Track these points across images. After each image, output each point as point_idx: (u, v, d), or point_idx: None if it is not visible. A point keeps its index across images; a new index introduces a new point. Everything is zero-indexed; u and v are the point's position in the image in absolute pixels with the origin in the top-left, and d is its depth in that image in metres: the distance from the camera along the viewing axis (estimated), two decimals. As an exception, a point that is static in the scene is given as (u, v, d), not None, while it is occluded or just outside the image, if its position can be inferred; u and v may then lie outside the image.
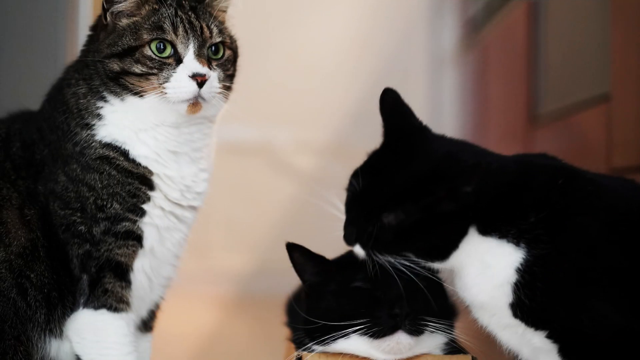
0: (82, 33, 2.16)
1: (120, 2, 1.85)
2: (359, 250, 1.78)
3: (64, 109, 1.88)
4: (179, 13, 1.85)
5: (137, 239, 1.86)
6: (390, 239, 1.74)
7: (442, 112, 4.72)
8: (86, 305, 1.84)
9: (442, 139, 1.85)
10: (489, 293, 1.73)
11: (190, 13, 1.86)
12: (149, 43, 1.83)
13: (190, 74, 1.82)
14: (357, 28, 4.67)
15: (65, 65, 1.97)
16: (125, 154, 1.86)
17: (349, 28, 4.66)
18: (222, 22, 1.93)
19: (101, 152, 1.85)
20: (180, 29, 1.84)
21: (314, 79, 4.57)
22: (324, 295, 1.86)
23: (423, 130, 1.84)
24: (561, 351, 1.70)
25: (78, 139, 1.86)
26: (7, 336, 1.80)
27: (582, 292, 1.67)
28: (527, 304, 1.69)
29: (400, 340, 1.79)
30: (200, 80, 1.82)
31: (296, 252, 1.89)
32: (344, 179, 1.84)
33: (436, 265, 1.78)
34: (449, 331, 1.84)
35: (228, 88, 1.90)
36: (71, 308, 1.85)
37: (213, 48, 1.88)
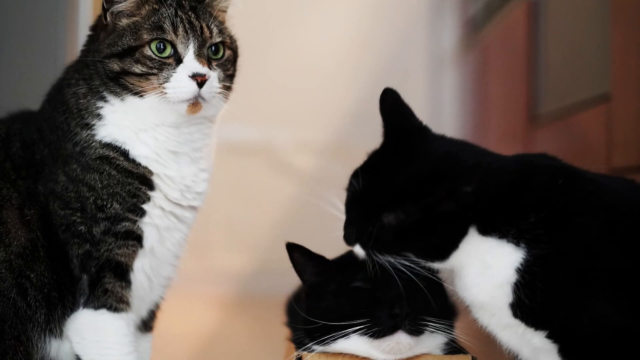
0: (82, 33, 2.16)
1: (120, 2, 1.85)
2: (359, 250, 1.78)
3: (64, 109, 1.88)
4: (179, 13, 1.85)
5: (137, 239, 1.86)
6: (390, 239, 1.74)
7: (442, 112, 4.72)
8: (86, 305, 1.84)
9: (442, 139, 1.84)
10: (489, 293, 1.73)
11: (190, 13, 1.86)
12: (149, 43, 1.83)
13: (190, 74, 1.82)
14: (357, 28, 4.66)
15: (65, 65, 1.97)
16: (125, 154, 1.86)
17: (349, 28, 4.66)
18: (222, 22, 1.93)
19: (101, 152, 1.85)
20: (180, 29, 1.84)
21: (314, 79, 4.57)
22: (324, 295, 1.86)
23: (423, 130, 1.84)
24: (561, 351, 1.70)
25: (78, 139, 1.86)
26: (7, 336, 1.80)
27: (582, 292, 1.67)
28: (527, 304, 1.69)
29: (400, 340, 1.79)
30: (200, 80, 1.82)
31: (296, 252, 1.89)
32: (344, 179, 1.84)
33: (436, 265, 1.78)
34: (449, 331, 1.84)
35: (228, 88, 1.90)
36: (71, 308, 1.85)
37: (213, 48, 1.88)
